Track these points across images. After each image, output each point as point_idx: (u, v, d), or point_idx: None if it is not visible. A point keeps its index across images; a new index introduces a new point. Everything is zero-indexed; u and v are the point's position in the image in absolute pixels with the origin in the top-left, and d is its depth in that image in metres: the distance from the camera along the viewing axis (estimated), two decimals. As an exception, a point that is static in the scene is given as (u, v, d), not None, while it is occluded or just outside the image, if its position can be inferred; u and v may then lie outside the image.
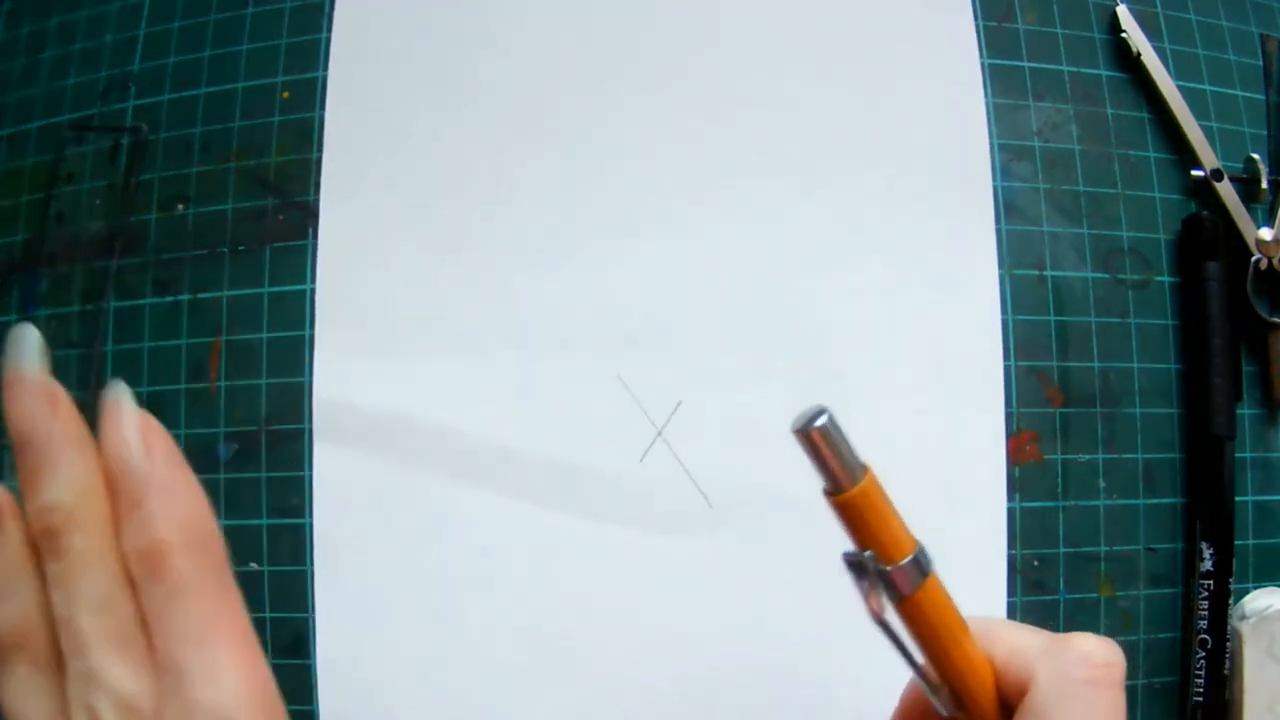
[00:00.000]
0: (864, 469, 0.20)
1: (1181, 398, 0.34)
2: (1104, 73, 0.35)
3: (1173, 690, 0.33)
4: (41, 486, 0.21)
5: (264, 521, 0.33)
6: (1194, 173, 0.34)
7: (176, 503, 0.21)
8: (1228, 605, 0.32)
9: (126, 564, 0.20)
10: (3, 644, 0.20)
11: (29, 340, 0.22)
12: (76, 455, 0.21)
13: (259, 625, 0.33)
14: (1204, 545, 0.32)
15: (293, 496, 0.33)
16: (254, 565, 0.33)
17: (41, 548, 0.21)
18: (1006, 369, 0.32)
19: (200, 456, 0.34)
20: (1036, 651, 0.21)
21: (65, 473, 0.21)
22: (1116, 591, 0.33)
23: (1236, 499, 0.33)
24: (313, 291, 0.34)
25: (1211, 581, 0.32)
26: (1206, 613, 0.32)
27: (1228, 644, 0.32)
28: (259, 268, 0.34)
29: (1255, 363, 0.34)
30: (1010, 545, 0.32)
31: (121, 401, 0.22)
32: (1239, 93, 0.35)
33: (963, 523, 0.32)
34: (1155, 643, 0.33)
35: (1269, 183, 0.34)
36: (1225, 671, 0.32)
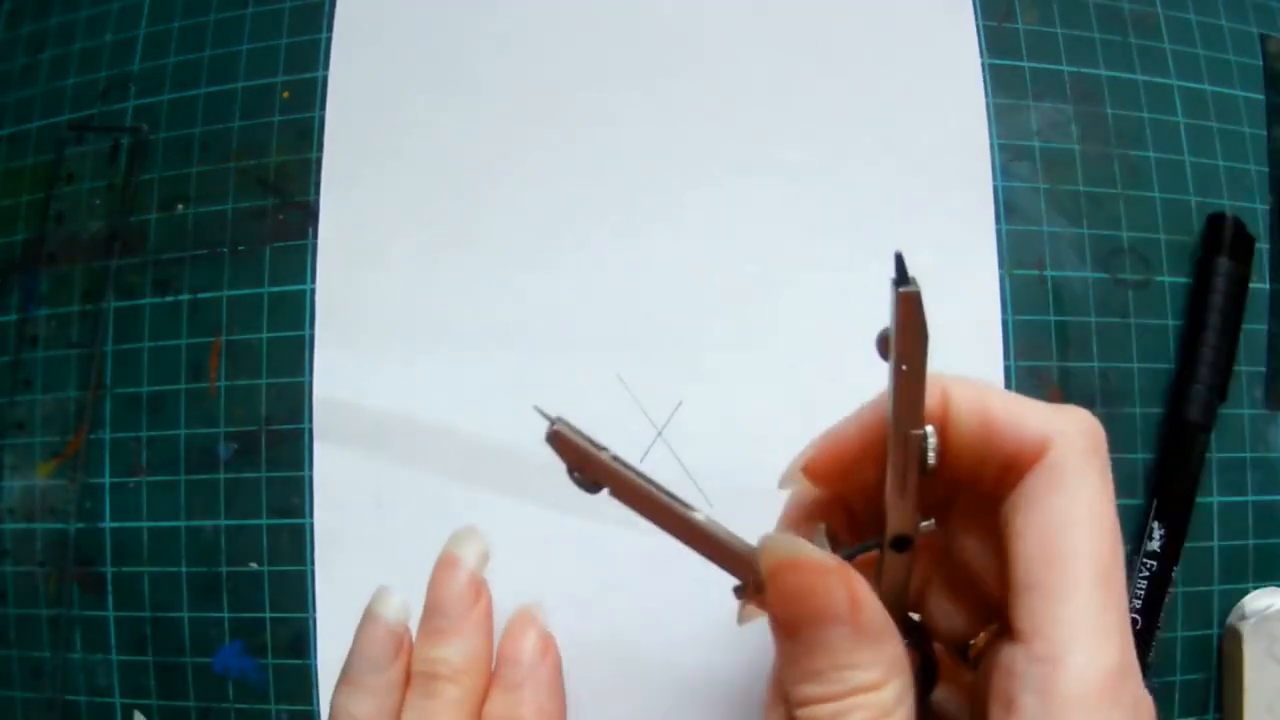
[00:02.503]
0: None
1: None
2: (1104, 73, 0.35)
3: (1170, 688, 0.33)
4: (440, 645, 0.28)
5: (264, 521, 0.33)
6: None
7: (543, 696, 0.28)
8: (1168, 592, 0.32)
9: None
10: None
11: (476, 541, 0.29)
12: (477, 636, 0.28)
13: (259, 625, 0.34)
14: (1155, 524, 0.32)
15: (293, 496, 0.33)
16: (254, 565, 0.33)
17: (416, 683, 0.27)
18: (1006, 369, 0.33)
19: (200, 456, 0.34)
20: (1046, 417, 0.21)
21: (464, 644, 0.28)
22: (1116, 591, 0.33)
23: (1236, 499, 0.33)
24: (313, 291, 0.34)
25: (1155, 563, 0.32)
26: (1142, 591, 0.32)
27: (1222, 642, 0.32)
28: (259, 268, 0.35)
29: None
30: (1010, 545, 0.32)
31: (536, 619, 0.30)
32: (1239, 93, 0.35)
33: (963, 523, 0.32)
34: (1157, 642, 0.33)
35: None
36: (1150, 659, 0.32)
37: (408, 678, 0.28)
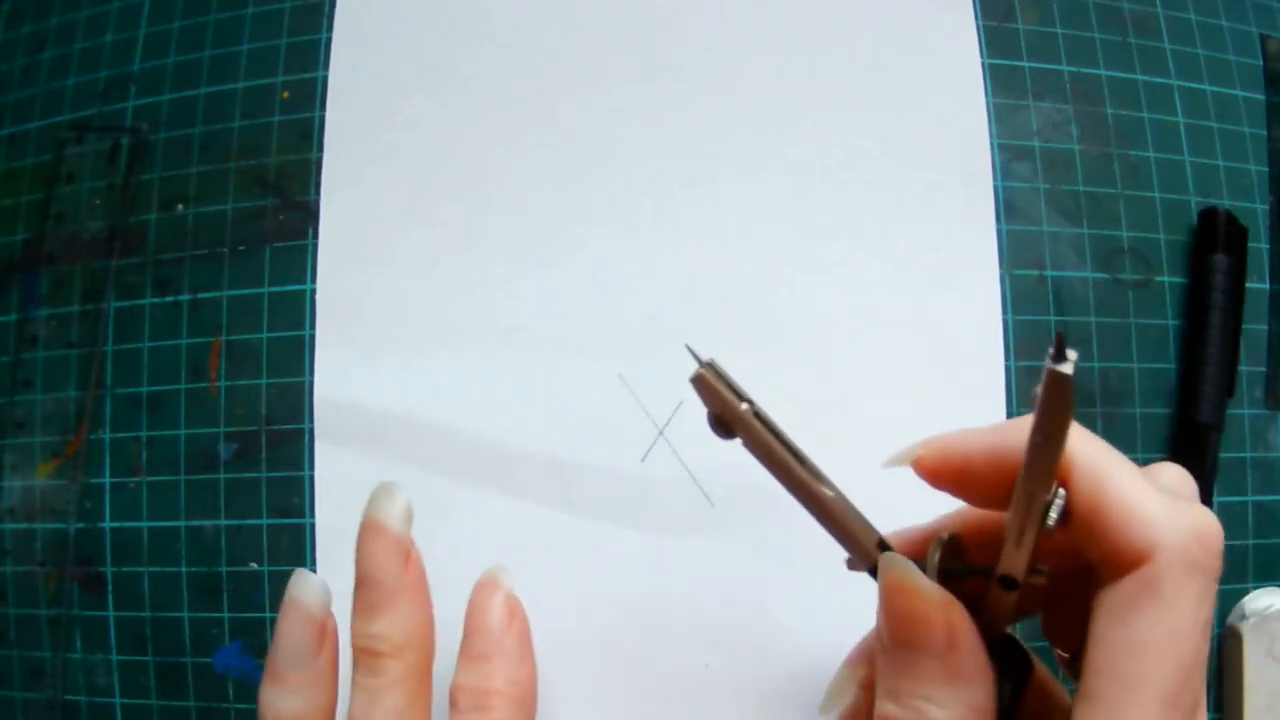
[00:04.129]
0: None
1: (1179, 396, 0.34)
2: (1104, 73, 0.35)
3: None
4: (376, 619, 0.26)
5: (264, 521, 0.33)
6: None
7: (514, 668, 0.27)
8: None
9: (454, 695, 0.27)
10: None
11: (398, 499, 0.28)
12: (413, 604, 0.27)
13: (259, 625, 0.34)
14: None
15: (293, 496, 0.33)
16: (254, 565, 0.33)
17: (358, 661, 0.26)
18: (1007, 369, 0.33)
19: (200, 456, 0.34)
20: (1157, 521, 0.20)
21: (400, 615, 0.26)
22: (1117, 591, 0.33)
23: (1236, 499, 0.33)
24: (313, 291, 0.34)
25: None
26: None
27: (1225, 643, 0.32)
28: (259, 268, 0.35)
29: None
30: (1010, 545, 0.32)
31: (500, 583, 0.29)
32: (1239, 93, 0.35)
33: (963, 522, 0.32)
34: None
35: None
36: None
37: (335, 665, 0.27)
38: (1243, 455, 0.34)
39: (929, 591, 0.21)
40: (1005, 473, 0.21)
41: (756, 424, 0.23)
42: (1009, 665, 0.23)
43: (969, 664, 0.21)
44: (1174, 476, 0.22)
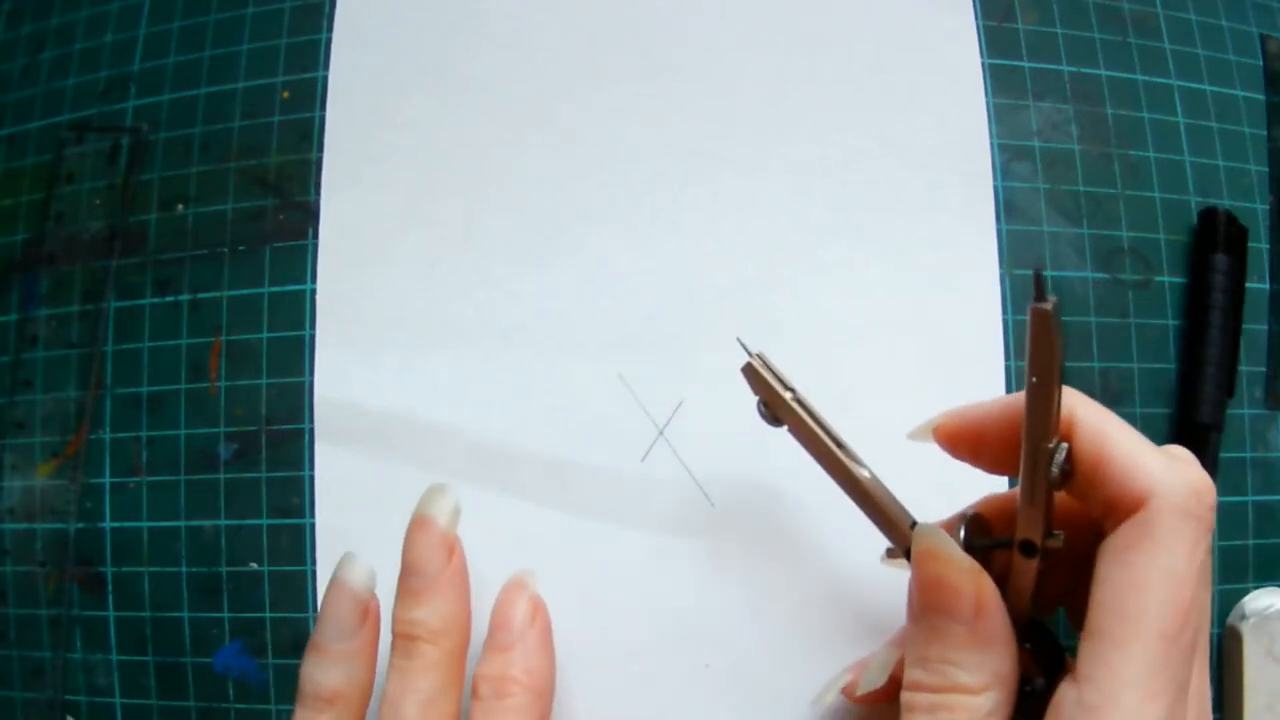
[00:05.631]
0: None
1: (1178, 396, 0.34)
2: (1104, 73, 0.35)
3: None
4: (417, 605, 0.28)
5: (264, 521, 0.33)
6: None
7: (532, 659, 0.29)
8: None
9: (476, 684, 0.28)
10: (320, 696, 0.27)
11: (448, 498, 0.30)
12: (452, 594, 0.28)
13: (259, 625, 0.34)
14: None
15: (293, 496, 0.33)
16: (254, 565, 0.33)
17: (396, 644, 0.28)
18: (1006, 369, 0.33)
19: (200, 456, 0.34)
20: (1154, 471, 0.22)
21: (439, 604, 0.28)
22: (1117, 591, 0.33)
23: (1236, 499, 0.33)
24: (313, 291, 0.34)
25: None
26: None
27: (1225, 642, 0.32)
28: (259, 268, 0.35)
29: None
30: (1010, 545, 0.32)
31: (527, 585, 0.30)
32: (1239, 93, 0.36)
33: (963, 522, 0.32)
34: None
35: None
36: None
37: (375, 644, 0.29)
38: (1243, 455, 0.34)
39: (959, 559, 0.23)
40: (1017, 437, 0.23)
41: (800, 410, 0.25)
42: (1042, 657, 0.24)
43: (995, 631, 0.22)
44: (1179, 450, 0.24)
